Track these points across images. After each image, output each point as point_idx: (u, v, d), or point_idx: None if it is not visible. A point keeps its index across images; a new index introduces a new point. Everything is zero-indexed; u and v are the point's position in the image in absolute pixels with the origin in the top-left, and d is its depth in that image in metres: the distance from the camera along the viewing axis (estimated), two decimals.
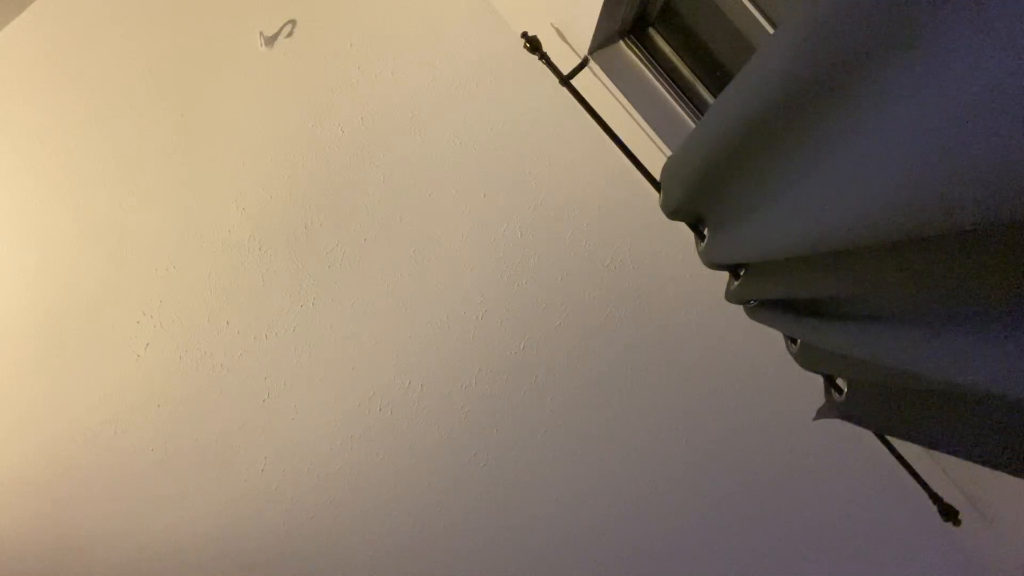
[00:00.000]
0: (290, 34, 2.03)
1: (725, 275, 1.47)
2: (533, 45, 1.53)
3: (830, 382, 1.49)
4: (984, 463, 1.00)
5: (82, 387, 2.03)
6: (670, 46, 1.76)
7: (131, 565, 2.07)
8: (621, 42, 1.78)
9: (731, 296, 1.42)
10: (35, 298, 2.01)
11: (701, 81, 1.74)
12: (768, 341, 1.84)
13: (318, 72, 2.04)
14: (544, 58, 1.55)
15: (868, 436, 1.67)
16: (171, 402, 2.04)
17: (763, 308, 1.34)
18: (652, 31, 1.76)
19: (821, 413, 1.55)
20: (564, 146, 2.03)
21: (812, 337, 1.09)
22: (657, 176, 1.50)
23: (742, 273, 1.34)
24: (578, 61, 1.67)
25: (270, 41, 2.02)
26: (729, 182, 1.08)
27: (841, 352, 1.00)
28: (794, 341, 1.41)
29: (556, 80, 1.58)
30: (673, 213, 1.42)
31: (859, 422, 1.39)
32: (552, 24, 1.74)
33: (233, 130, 2.03)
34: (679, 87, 1.79)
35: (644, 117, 1.77)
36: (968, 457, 1.04)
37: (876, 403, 1.27)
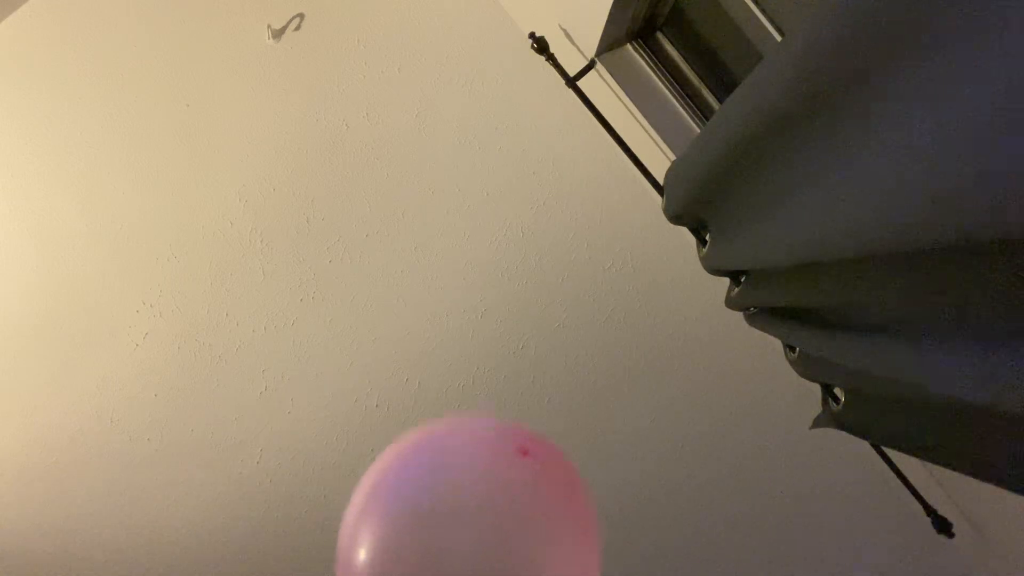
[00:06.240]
0: (298, 27, 2.03)
1: (726, 281, 1.47)
2: (540, 46, 1.53)
3: (828, 391, 1.49)
4: (980, 477, 1.00)
5: (79, 375, 2.03)
6: (677, 51, 1.76)
7: (124, 554, 2.07)
8: (628, 45, 1.78)
9: (731, 302, 1.42)
10: (35, 285, 2.01)
11: (707, 86, 1.74)
12: (767, 348, 1.84)
13: (325, 67, 2.04)
14: (551, 59, 1.55)
15: (864, 446, 1.67)
16: (168, 392, 2.04)
17: (763, 315, 1.34)
18: (660, 35, 1.76)
19: (818, 422, 1.55)
20: (568, 148, 2.03)
21: (810, 345, 1.10)
22: (660, 180, 1.50)
23: (743, 280, 1.34)
24: (585, 63, 1.67)
25: (278, 34, 2.02)
26: (732, 188, 1.09)
27: (839, 361, 1.00)
28: (793, 349, 1.41)
29: (562, 81, 1.58)
30: (675, 217, 1.42)
31: (856, 432, 1.39)
32: (560, 25, 1.74)
33: (238, 122, 2.03)
34: (685, 92, 1.79)
35: (649, 121, 1.77)
36: (964, 470, 1.04)
37: (873, 414, 1.27)
